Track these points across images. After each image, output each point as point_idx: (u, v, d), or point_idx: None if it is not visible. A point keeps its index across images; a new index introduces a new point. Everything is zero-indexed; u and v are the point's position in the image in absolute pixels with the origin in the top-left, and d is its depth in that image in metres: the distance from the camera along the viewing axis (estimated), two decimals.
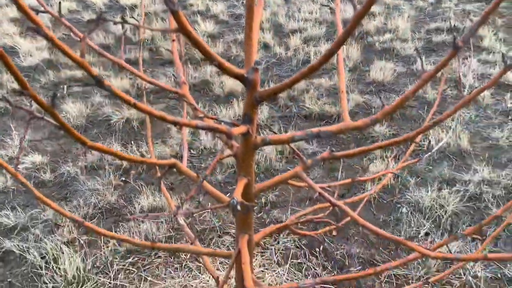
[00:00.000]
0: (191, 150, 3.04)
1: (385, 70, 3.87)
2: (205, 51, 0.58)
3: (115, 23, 0.57)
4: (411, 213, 2.40)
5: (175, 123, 0.56)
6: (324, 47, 4.30)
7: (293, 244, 2.28)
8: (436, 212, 2.38)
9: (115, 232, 2.34)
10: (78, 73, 4.10)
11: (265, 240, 2.32)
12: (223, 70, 0.61)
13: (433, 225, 2.32)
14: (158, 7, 5.69)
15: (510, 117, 3.19)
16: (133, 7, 5.86)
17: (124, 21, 0.58)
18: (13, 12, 5.91)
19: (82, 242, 2.29)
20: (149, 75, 4.02)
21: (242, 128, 0.65)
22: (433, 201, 2.42)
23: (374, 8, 5.42)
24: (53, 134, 3.28)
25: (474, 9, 5.38)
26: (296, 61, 4.16)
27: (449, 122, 3.17)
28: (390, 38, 4.57)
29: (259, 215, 2.48)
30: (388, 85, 3.74)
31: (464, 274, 2.05)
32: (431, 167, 2.74)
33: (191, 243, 0.96)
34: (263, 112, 3.35)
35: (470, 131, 3.06)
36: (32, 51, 4.56)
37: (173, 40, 0.92)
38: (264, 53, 4.38)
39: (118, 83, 3.84)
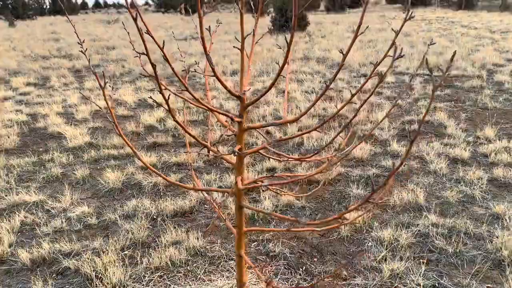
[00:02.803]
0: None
1: (364, 150, 4.76)
2: (222, 83, 1.45)
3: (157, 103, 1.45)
4: (374, 245, 3.11)
5: (206, 108, 1.42)
6: (315, 134, 5.26)
7: (282, 266, 2.98)
8: (392, 244, 3.09)
9: (148, 258, 3.07)
10: (114, 152, 5.06)
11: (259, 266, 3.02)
12: (229, 92, 1.47)
13: (390, 253, 3.01)
14: (179, 105, 6.82)
15: (461, 183, 3.98)
16: (159, 105, 7.01)
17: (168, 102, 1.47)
18: (58, 108, 7.09)
19: (124, 261, 3.01)
20: (172, 154, 4.96)
21: (238, 119, 1.50)
22: (391, 236, 3.15)
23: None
24: (95, 194, 4.11)
25: (444, 107, 6.43)
26: (292, 143, 5.09)
27: (412, 185, 3.97)
28: (371, 127, 5.54)
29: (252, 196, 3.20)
30: (366, 161, 4.61)
31: (408, 282, 2.71)
32: (393, 217, 3.48)
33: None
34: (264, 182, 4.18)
35: (427, 192, 3.84)
36: (76, 135, 5.58)
37: (208, 90, 1.81)
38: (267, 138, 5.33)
39: (147, 158, 4.76)
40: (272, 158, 1.69)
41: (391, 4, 50.57)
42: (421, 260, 2.93)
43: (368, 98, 1.54)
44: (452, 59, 1.07)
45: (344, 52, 1.38)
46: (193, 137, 1.51)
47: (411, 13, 1.38)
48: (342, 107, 1.55)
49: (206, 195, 2.00)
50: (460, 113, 6.09)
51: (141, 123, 6.16)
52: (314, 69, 9.80)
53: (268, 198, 3.78)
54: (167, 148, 5.25)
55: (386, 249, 3.05)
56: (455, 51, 1.39)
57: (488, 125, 5.44)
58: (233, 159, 1.58)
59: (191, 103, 1.51)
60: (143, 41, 1.27)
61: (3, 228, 3.42)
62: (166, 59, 1.30)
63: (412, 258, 2.96)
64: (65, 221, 3.56)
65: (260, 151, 1.62)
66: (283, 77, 1.60)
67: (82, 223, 3.54)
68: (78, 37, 1.51)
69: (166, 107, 1.43)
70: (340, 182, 4.19)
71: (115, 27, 25.25)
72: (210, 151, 1.58)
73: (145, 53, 1.28)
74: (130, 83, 9.16)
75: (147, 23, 1.31)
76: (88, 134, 5.70)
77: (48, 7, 52.46)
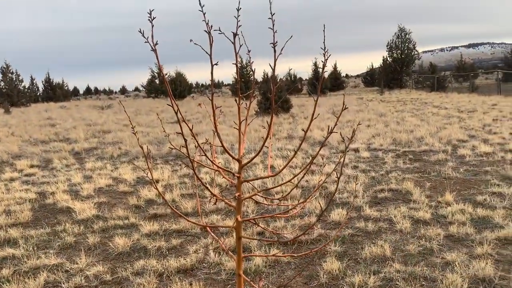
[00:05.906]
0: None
1: (341, 215, 5.47)
2: (226, 151, 2.21)
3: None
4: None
5: (216, 167, 2.16)
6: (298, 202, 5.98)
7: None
8: (362, 286, 3.71)
9: None
10: (120, 222, 5.68)
11: None
12: (231, 156, 2.22)
13: None
14: (176, 180, 7.54)
15: (423, 239, 4.67)
16: (157, 180, 7.73)
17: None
18: (64, 186, 7.75)
19: None
20: (172, 222, 5.60)
21: (238, 174, 2.24)
22: (361, 280, 3.77)
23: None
24: (106, 258, 4.68)
25: (412, 177, 7.25)
26: (278, 211, 5.78)
27: (381, 242, 4.64)
28: (347, 196, 6.29)
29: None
30: (343, 223, 5.30)
31: None
32: (364, 266, 4.12)
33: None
34: (253, 242, 4.82)
35: (394, 247, 4.52)
36: (84, 209, 6.21)
37: (215, 158, 2.56)
38: (256, 207, 6.03)
39: (150, 227, 5.38)
40: (261, 203, 2.40)
41: (369, 87, 53.74)
42: None
43: (310, 164, 2.30)
44: (354, 132, 1.85)
45: (305, 130, 2.17)
46: (204, 185, 2.24)
47: (345, 106, 2.20)
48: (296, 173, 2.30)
49: (210, 231, 2.68)
50: (425, 182, 6.91)
51: (142, 197, 6.82)
52: (297, 146, 10.71)
53: (259, 256, 4.40)
54: (166, 219, 5.88)
55: None
56: (358, 125, 2.18)
57: (448, 191, 6.23)
58: (233, 203, 2.31)
59: (204, 166, 2.25)
60: (180, 126, 2.05)
61: (31, 285, 3.96)
62: (181, 134, 2.06)
63: None
64: (84, 279, 4.12)
65: (253, 197, 2.35)
66: (266, 150, 2.38)
67: (98, 280, 4.10)
68: (131, 123, 2.28)
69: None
70: (320, 241, 4.85)
71: (108, 112, 26.54)
72: (217, 199, 2.30)
73: (181, 133, 2.05)
74: (128, 163, 9.92)
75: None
76: (95, 208, 6.34)
77: (41, 94, 54.49)
